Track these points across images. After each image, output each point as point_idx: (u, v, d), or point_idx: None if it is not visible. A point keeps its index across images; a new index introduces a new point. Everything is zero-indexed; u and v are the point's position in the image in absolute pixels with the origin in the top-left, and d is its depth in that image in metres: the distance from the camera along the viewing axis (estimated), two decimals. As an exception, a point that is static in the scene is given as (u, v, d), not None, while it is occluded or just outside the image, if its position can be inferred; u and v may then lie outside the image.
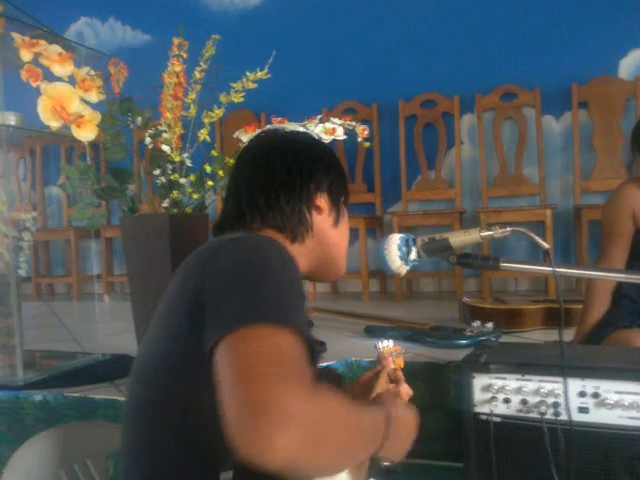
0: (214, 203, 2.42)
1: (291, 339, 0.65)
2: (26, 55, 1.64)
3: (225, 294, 0.71)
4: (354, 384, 1.16)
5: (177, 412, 0.76)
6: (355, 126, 1.76)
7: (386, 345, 1.16)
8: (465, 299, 2.61)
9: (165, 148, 1.84)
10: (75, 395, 1.68)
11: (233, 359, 0.63)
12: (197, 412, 0.74)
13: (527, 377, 1.26)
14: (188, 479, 0.76)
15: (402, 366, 1.20)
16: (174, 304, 0.80)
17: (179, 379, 0.76)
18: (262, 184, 0.99)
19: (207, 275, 0.74)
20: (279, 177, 0.99)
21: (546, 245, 0.97)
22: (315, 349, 0.70)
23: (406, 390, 1.09)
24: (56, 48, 1.67)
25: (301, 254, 0.97)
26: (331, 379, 1.13)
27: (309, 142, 1.09)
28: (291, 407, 0.57)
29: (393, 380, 1.10)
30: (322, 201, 1.02)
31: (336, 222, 1.04)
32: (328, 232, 1.03)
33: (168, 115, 1.84)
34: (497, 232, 0.98)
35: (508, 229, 0.99)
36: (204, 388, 0.68)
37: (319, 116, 1.75)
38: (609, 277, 1.51)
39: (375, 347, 1.16)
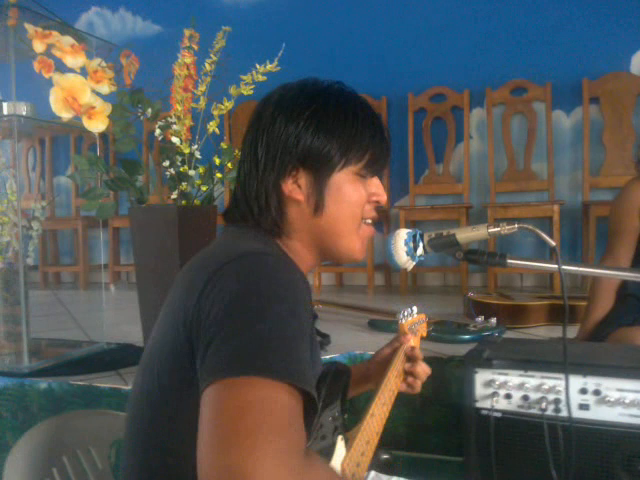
0: (222, 195, 2.43)
1: (283, 396, 0.59)
2: (39, 46, 1.64)
3: (219, 334, 0.64)
4: (371, 361, 1.11)
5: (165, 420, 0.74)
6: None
7: (408, 315, 1.10)
8: (470, 294, 2.60)
9: (174, 140, 1.85)
10: (80, 383, 1.69)
11: (216, 412, 0.58)
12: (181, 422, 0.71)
13: (529, 373, 1.27)
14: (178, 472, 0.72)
15: (424, 335, 1.14)
16: (172, 319, 0.73)
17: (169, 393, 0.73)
18: (239, 171, 0.88)
19: (201, 307, 0.68)
20: (246, 161, 0.86)
21: (553, 243, 0.96)
22: (316, 398, 0.64)
23: (423, 369, 1.05)
24: (68, 39, 1.67)
25: (292, 248, 0.86)
26: (338, 372, 1.12)
27: (289, 107, 0.84)
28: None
29: (410, 358, 1.05)
30: (294, 187, 0.83)
31: (316, 209, 0.83)
32: (310, 223, 0.85)
33: (178, 107, 1.84)
34: (504, 229, 0.97)
35: (515, 226, 0.97)
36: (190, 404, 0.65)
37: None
38: (615, 275, 1.51)
39: (397, 318, 1.09)
